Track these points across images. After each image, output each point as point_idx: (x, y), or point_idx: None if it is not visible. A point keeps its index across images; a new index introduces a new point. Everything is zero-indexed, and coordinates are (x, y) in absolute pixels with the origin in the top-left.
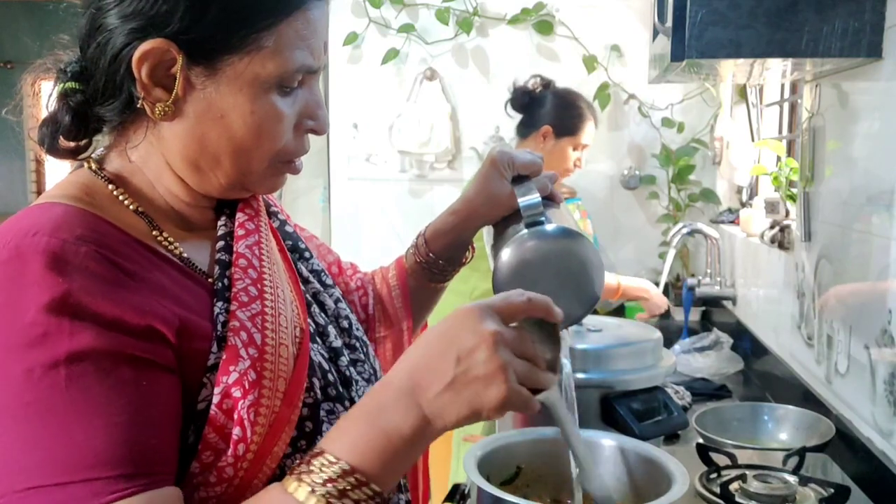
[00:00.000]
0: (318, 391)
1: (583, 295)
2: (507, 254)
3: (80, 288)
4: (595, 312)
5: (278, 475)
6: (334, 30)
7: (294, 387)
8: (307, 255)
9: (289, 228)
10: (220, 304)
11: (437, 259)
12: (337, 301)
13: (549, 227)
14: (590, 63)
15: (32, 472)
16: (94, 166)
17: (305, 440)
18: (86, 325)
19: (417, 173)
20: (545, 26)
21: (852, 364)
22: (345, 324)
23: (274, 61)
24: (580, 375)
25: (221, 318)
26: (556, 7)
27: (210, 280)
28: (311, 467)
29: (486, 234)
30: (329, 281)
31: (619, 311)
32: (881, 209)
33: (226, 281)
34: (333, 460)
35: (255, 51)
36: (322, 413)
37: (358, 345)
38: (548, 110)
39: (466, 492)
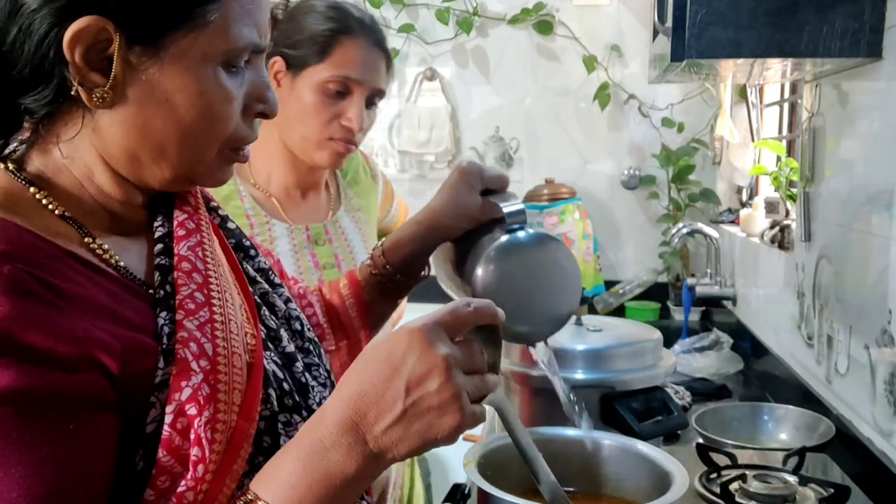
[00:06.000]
0: (275, 402)
1: (565, 302)
2: (493, 257)
3: (2, 316)
4: (595, 312)
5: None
6: None
7: (250, 398)
8: (252, 252)
9: (231, 225)
10: (164, 314)
11: (394, 272)
12: (287, 301)
13: (531, 231)
14: (590, 63)
15: None
16: (11, 167)
17: (263, 456)
18: (8, 362)
19: (417, 173)
20: (545, 26)
21: (852, 364)
22: (297, 326)
23: (221, 38)
24: (580, 375)
25: (167, 330)
26: (556, 7)
27: (150, 291)
28: None
29: (434, 260)
30: (277, 280)
31: (620, 311)
32: (881, 209)
33: (168, 288)
34: None
35: (200, 26)
36: (279, 426)
37: (311, 347)
38: (280, 33)
39: (466, 492)
